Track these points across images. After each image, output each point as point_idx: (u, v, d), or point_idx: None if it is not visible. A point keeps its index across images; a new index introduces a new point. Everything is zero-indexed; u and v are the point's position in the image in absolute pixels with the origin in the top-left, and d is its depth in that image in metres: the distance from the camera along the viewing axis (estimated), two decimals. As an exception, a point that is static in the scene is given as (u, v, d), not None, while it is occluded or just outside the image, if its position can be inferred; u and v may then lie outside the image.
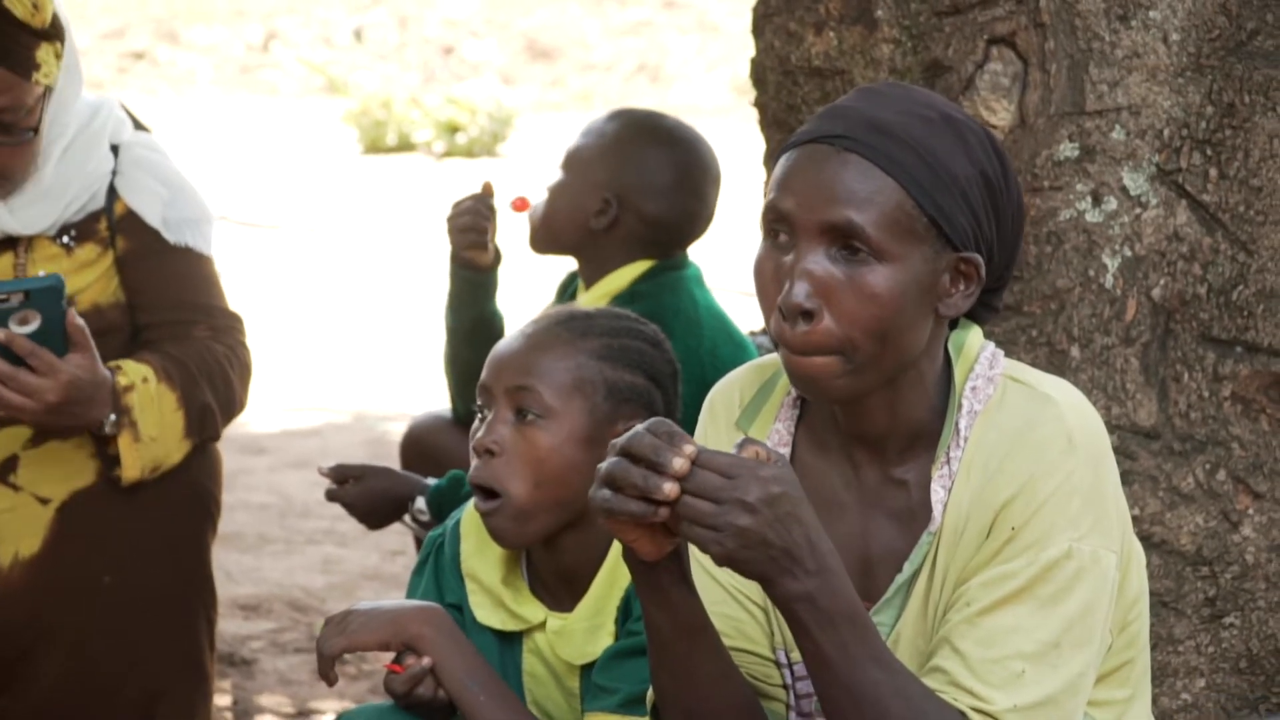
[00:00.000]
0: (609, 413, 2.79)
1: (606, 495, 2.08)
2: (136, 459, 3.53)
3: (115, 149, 3.63)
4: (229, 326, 3.68)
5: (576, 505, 2.78)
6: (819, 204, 2.23)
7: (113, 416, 3.48)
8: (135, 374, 3.52)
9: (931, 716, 2.17)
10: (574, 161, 3.78)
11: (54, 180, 3.55)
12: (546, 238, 3.81)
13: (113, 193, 3.61)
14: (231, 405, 3.66)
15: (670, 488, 2.06)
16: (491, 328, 3.88)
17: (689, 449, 2.07)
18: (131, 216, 3.61)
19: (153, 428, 3.53)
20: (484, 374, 2.83)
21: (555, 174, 3.80)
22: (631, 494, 2.07)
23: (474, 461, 2.80)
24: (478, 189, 3.87)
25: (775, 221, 2.27)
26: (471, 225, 3.81)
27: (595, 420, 2.78)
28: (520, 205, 3.83)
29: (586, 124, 3.85)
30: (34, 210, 3.54)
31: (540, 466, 2.76)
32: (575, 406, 2.78)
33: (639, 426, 2.09)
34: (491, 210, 3.82)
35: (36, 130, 3.47)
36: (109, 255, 3.61)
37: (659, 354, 2.85)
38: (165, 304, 3.63)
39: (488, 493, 2.78)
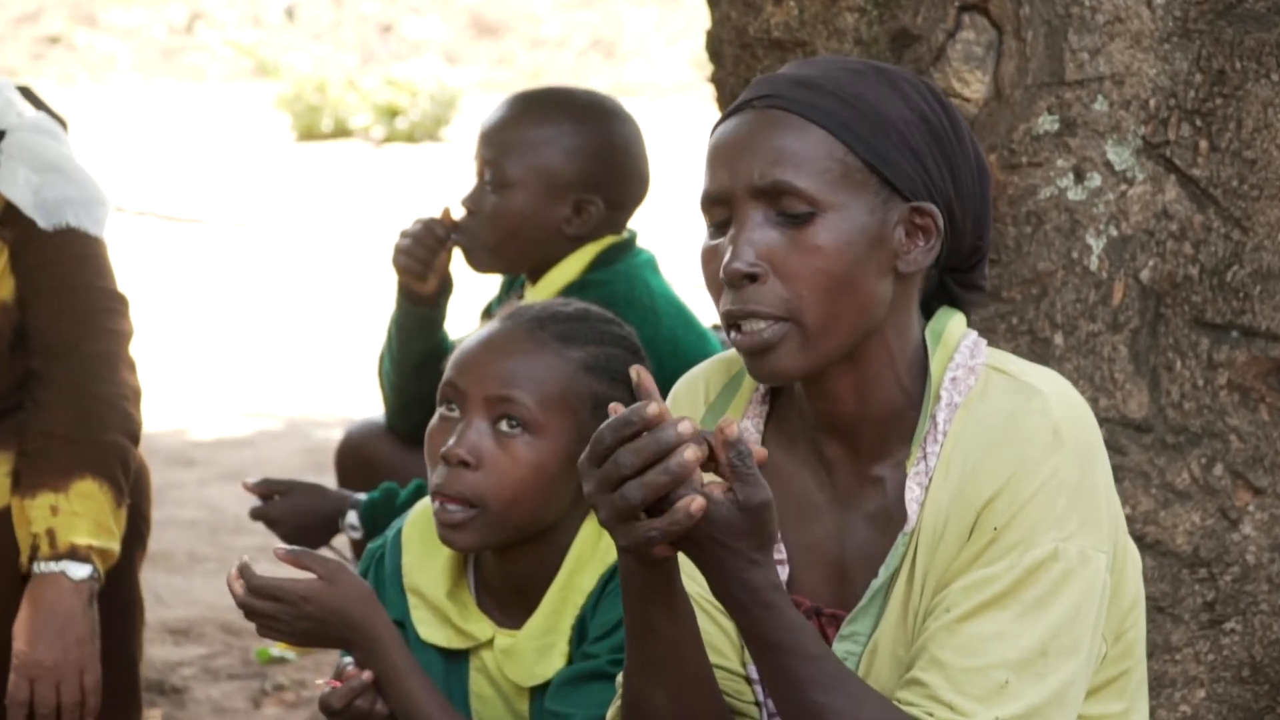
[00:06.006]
0: (594, 428, 2.78)
1: (666, 523, 2.10)
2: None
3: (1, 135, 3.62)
4: (111, 309, 3.64)
5: (548, 519, 2.81)
6: (748, 167, 2.27)
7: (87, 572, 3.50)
8: (42, 516, 3.51)
9: None
10: (528, 176, 3.69)
11: None
12: (506, 262, 3.77)
13: None
14: (136, 430, 3.63)
15: (690, 453, 2.09)
16: (440, 359, 3.85)
17: (681, 422, 2.10)
18: (10, 208, 3.59)
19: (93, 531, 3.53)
20: (452, 372, 2.82)
21: (494, 194, 3.70)
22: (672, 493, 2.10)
23: (439, 468, 2.79)
24: (437, 210, 3.82)
25: (712, 204, 2.31)
26: (410, 250, 3.78)
27: (580, 436, 2.77)
28: None
29: (501, 135, 3.73)
30: None
31: (522, 482, 2.77)
32: (563, 421, 2.78)
33: (616, 449, 2.13)
34: (440, 240, 3.78)
35: None
36: (5, 251, 3.59)
37: (635, 360, 2.85)
38: (49, 299, 3.60)
39: (459, 501, 2.77)
